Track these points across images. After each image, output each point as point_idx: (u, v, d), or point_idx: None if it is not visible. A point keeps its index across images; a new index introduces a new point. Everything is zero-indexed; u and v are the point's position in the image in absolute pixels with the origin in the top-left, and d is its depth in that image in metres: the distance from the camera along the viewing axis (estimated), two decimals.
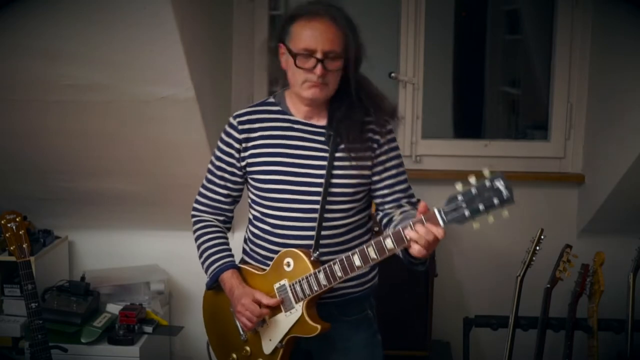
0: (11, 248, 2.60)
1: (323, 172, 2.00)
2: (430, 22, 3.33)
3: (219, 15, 3.16)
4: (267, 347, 2.06)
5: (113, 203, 3.25)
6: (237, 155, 2.09)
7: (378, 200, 2.10)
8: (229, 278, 2.07)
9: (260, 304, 2.00)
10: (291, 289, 1.99)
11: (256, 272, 2.09)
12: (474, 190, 1.74)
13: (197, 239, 2.17)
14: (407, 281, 2.97)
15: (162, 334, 3.14)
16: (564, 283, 2.96)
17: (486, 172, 1.73)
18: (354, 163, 2.01)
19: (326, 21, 1.93)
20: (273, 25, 3.37)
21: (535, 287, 2.98)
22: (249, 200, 2.15)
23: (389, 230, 1.98)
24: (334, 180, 2.01)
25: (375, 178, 2.07)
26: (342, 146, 2.01)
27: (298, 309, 1.99)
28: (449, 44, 3.72)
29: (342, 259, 1.92)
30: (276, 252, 2.04)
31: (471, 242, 3.35)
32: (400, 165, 2.10)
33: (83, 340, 2.93)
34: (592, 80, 3.25)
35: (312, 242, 2.01)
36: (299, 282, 1.98)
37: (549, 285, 2.95)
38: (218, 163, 2.13)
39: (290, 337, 2.03)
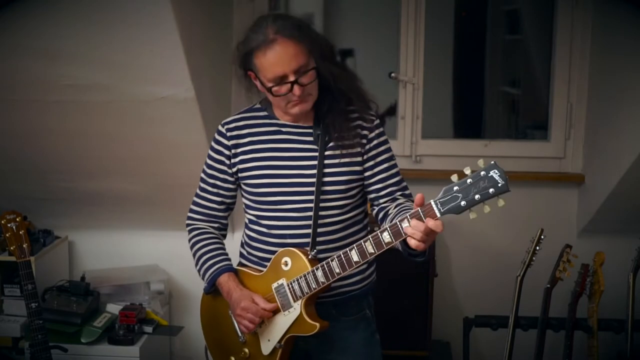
0: (11, 248, 2.60)
1: (314, 171, 2.01)
2: (430, 22, 3.33)
3: (219, 15, 3.16)
4: (266, 347, 2.06)
5: (113, 203, 3.25)
6: (227, 162, 2.10)
7: (372, 195, 2.10)
8: (226, 281, 2.08)
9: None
10: (289, 288, 2.00)
11: (253, 273, 2.09)
12: (469, 181, 1.76)
13: (192, 246, 2.17)
14: (407, 281, 2.97)
15: (162, 334, 3.14)
16: (564, 283, 2.96)
17: (480, 163, 1.76)
18: (344, 160, 2.02)
19: (281, 42, 1.89)
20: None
21: (535, 287, 2.98)
22: (244, 205, 2.16)
23: (386, 224, 1.98)
24: (326, 179, 2.01)
25: (368, 173, 2.07)
26: (331, 144, 2.02)
27: (296, 308, 1.99)
28: (449, 44, 3.72)
29: (340, 255, 1.92)
30: (273, 252, 2.05)
31: (471, 242, 3.35)
32: (392, 158, 2.10)
33: (83, 340, 2.93)
34: (592, 80, 3.25)
35: (308, 240, 2.02)
36: (297, 280, 1.98)
37: (549, 285, 2.95)
38: (210, 171, 2.14)
39: (289, 337, 2.03)
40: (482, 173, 1.75)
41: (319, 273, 1.95)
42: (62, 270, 3.35)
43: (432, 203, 1.79)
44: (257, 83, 1.99)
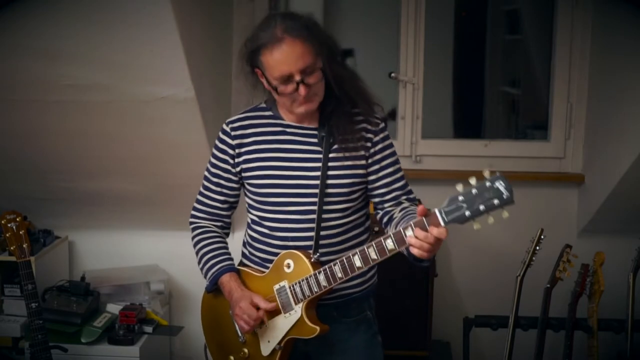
0: (11, 248, 2.60)
1: (318, 173, 2.01)
2: (430, 22, 3.33)
3: (219, 15, 3.16)
4: (266, 348, 2.06)
5: (113, 203, 3.25)
6: (231, 161, 2.09)
7: (377, 200, 2.09)
8: (228, 281, 2.08)
9: (258, 308, 2.00)
10: (291, 290, 1.99)
11: (255, 274, 2.09)
12: (474, 191, 1.75)
13: (195, 245, 2.18)
14: (407, 281, 2.97)
15: (162, 334, 3.14)
16: (564, 283, 2.96)
17: (486, 173, 1.74)
18: (348, 163, 2.01)
19: (288, 41, 1.88)
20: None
21: (535, 287, 2.98)
22: (247, 205, 2.15)
23: (390, 230, 1.98)
24: (330, 181, 2.01)
25: (372, 177, 2.07)
26: (336, 146, 2.02)
27: (297, 310, 1.99)
28: (449, 44, 3.72)
29: (343, 260, 1.92)
30: (275, 254, 2.05)
31: (471, 242, 3.35)
32: (396, 162, 2.09)
33: (83, 340, 2.93)
34: (592, 80, 3.25)
35: (311, 242, 2.01)
36: (299, 283, 1.98)
37: (549, 285, 2.95)
38: (213, 170, 2.13)
39: (289, 339, 2.03)
40: (488, 184, 1.74)
41: (321, 277, 1.95)
42: (62, 270, 3.35)
43: (437, 212, 1.79)
44: (264, 81, 1.99)
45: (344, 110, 2.02)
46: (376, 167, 2.06)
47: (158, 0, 2.29)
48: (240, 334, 2.11)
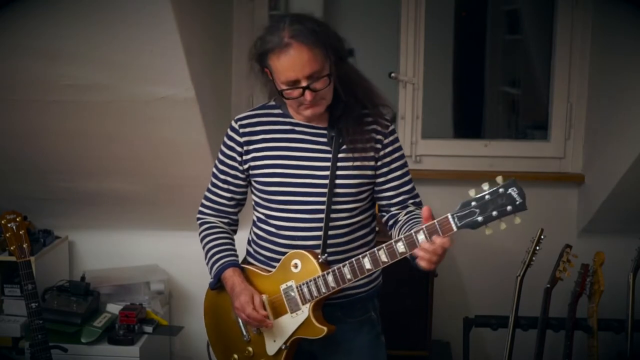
0: (11, 248, 2.60)
1: (327, 173, 2.00)
2: (430, 22, 3.33)
3: (219, 15, 3.16)
4: (271, 348, 2.06)
5: (113, 203, 3.25)
6: (239, 158, 2.09)
7: (384, 202, 2.10)
8: (231, 276, 2.07)
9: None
10: (298, 290, 1.99)
11: (262, 272, 2.09)
12: (487, 197, 1.77)
13: (202, 240, 2.18)
14: (408, 281, 2.97)
15: (162, 334, 3.14)
16: (564, 283, 2.96)
17: (499, 179, 1.76)
18: (357, 163, 2.01)
19: (296, 46, 1.87)
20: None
21: (535, 287, 2.98)
22: (253, 203, 2.15)
23: (395, 233, 1.99)
24: (338, 181, 2.01)
25: (381, 180, 2.07)
26: (345, 147, 2.01)
27: (304, 311, 1.99)
28: (449, 44, 3.72)
29: (352, 262, 1.92)
30: (281, 253, 2.04)
31: (471, 242, 3.34)
32: (405, 165, 2.10)
33: (83, 340, 2.93)
34: (592, 80, 3.25)
35: (318, 242, 2.01)
36: (307, 283, 1.98)
37: (549, 285, 2.95)
38: (221, 167, 2.13)
39: (295, 339, 2.03)
40: (501, 190, 1.76)
41: (330, 278, 1.95)
42: (62, 270, 3.35)
43: (449, 217, 1.80)
44: (273, 81, 1.98)
45: (354, 112, 2.02)
46: (385, 169, 2.06)
47: (158, 0, 2.29)
48: (244, 332, 2.11)
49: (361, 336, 2.12)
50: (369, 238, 2.12)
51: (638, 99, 2.78)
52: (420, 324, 3.05)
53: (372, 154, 2.03)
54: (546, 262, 2.97)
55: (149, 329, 3.04)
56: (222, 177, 2.13)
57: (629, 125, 2.85)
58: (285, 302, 2.01)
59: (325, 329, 1.98)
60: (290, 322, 2.02)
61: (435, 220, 1.81)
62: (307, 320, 1.99)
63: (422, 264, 1.83)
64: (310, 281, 1.97)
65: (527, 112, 3.78)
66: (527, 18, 3.74)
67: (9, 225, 2.61)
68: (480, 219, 1.77)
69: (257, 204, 2.12)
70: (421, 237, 1.82)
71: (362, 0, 3.69)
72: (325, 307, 2.03)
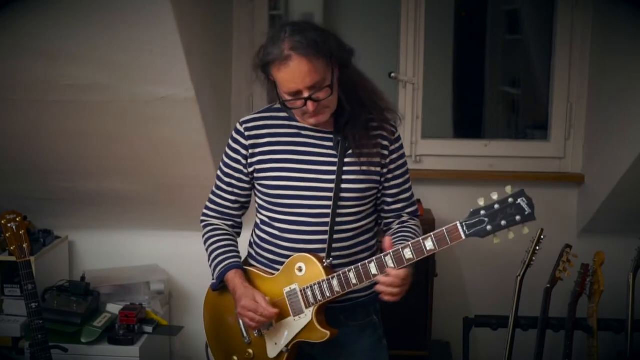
0: (11, 248, 2.60)
1: (333, 177, 2.00)
2: (430, 22, 3.33)
3: (219, 15, 3.16)
4: (272, 350, 2.06)
5: (113, 203, 3.25)
6: (244, 161, 2.08)
7: (380, 207, 2.11)
8: (232, 278, 2.07)
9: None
10: (302, 294, 1.99)
11: (265, 275, 2.08)
12: (496, 206, 1.79)
13: (205, 242, 2.17)
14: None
15: (162, 334, 3.14)
16: (564, 283, 2.96)
17: (508, 189, 1.79)
18: (364, 168, 2.01)
19: (295, 59, 1.86)
20: (272, 26, 3.37)
21: (535, 287, 2.98)
22: (256, 205, 2.15)
23: (409, 241, 2.00)
24: (344, 186, 2.01)
25: (383, 185, 2.08)
26: (351, 151, 2.01)
27: (308, 314, 1.99)
28: (449, 44, 3.72)
29: (358, 267, 1.92)
30: (284, 256, 2.04)
31: (471, 242, 3.33)
32: (406, 172, 2.11)
33: (83, 340, 2.93)
34: (592, 80, 3.25)
35: (322, 246, 2.01)
36: (311, 287, 1.97)
37: (549, 285, 2.95)
38: (226, 170, 2.12)
39: (297, 342, 2.03)
40: (510, 200, 1.79)
41: (335, 282, 1.95)
42: (62, 270, 3.35)
43: (458, 224, 1.82)
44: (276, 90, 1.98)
45: (360, 118, 2.01)
46: (389, 176, 2.07)
47: (158, 0, 2.29)
48: (245, 335, 2.10)
49: (363, 340, 2.12)
50: (372, 243, 2.13)
51: (638, 99, 2.78)
52: (420, 324, 3.05)
53: (378, 159, 2.03)
54: (546, 262, 2.97)
55: (149, 329, 3.04)
56: (227, 180, 2.12)
57: (629, 125, 2.85)
58: (289, 305, 2.01)
59: (328, 333, 1.98)
60: (292, 325, 2.02)
61: (444, 228, 1.83)
62: (310, 324, 1.99)
63: (385, 299, 1.89)
64: (315, 285, 1.97)
65: (527, 112, 3.78)
66: (527, 18, 3.74)
67: (9, 225, 2.61)
68: (489, 228, 1.80)
69: (260, 206, 2.12)
70: (429, 244, 1.85)
71: (362, 0, 3.68)
72: (327, 311, 2.03)
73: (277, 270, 2.06)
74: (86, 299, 3.03)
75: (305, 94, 1.90)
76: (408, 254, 1.87)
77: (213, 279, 2.13)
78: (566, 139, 3.36)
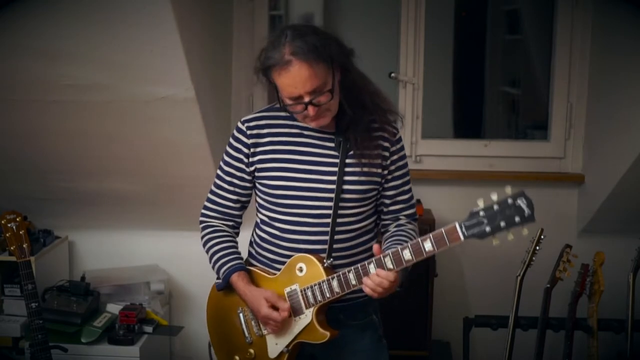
0: (11, 248, 2.60)
1: (334, 178, 2.00)
2: (430, 22, 3.33)
3: (219, 15, 3.16)
4: (273, 350, 2.06)
5: (113, 203, 3.25)
6: (246, 160, 2.08)
7: (379, 208, 2.12)
8: (236, 281, 2.07)
9: (274, 307, 2.00)
10: (302, 294, 1.99)
11: (267, 275, 2.08)
12: (496, 207, 1.78)
13: (205, 243, 2.16)
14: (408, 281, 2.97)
15: (162, 334, 3.13)
16: (564, 283, 2.96)
17: (508, 190, 1.77)
18: (365, 169, 2.01)
19: (295, 64, 1.86)
20: (273, 26, 3.38)
21: (535, 287, 2.98)
22: (256, 204, 2.15)
23: (384, 244, 2.03)
24: (346, 187, 2.01)
25: (382, 186, 2.08)
26: (352, 152, 2.01)
27: (308, 315, 1.99)
28: (449, 44, 3.72)
29: (358, 268, 1.92)
30: (284, 256, 2.05)
31: (471, 242, 3.33)
32: (406, 174, 2.11)
33: (83, 340, 2.93)
34: (592, 80, 3.25)
35: (323, 246, 2.01)
36: (311, 287, 1.98)
37: (549, 285, 2.95)
38: (227, 168, 2.12)
39: (297, 342, 2.03)
40: (510, 201, 1.78)
41: (335, 283, 1.95)
42: (62, 270, 3.35)
43: (457, 225, 1.82)
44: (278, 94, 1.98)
45: (361, 120, 2.01)
46: (388, 177, 2.07)
47: (158, 0, 2.29)
48: (247, 334, 2.11)
49: (363, 339, 2.12)
50: (372, 243, 2.12)
51: (638, 99, 2.78)
52: (420, 324, 3.05)
53: (379, 161, 2.04)
54: (546, 262, 2.97)
55: (149, 329, 3.04)
56: (228, 179, 2.12)
57: (629, 125, 2.85)
58: (289, 305, 2.01)
59: (328, 333, 1.98)
60: (293, 326, 2.02)
61: (442, 229, 1.83)
62: (310, 325, 1.99)
63: (366, 290, 1.90)
64: (315, 285, 1.97)
65: (527, 112, 3.78)
66: (527, 18, 3.74)
67: (9, 225, 2.61)
68: (488, 229, 1.79)
69: (261, 206, 2.12)
70: (428, 245, 1.84)
71: (362, 0, 3.68)
72: (327, 311, 2.03)
73: (277, 269, 2.06)
74: (86, 299, 3.03)
75: (306, 99, 1.90)
76: (407, 255, 1.87)
77: (217, 279, 2.13)
78: (566, 139, 3.36)
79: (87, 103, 2.69)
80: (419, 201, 3.11)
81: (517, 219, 1.77)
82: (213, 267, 2.14)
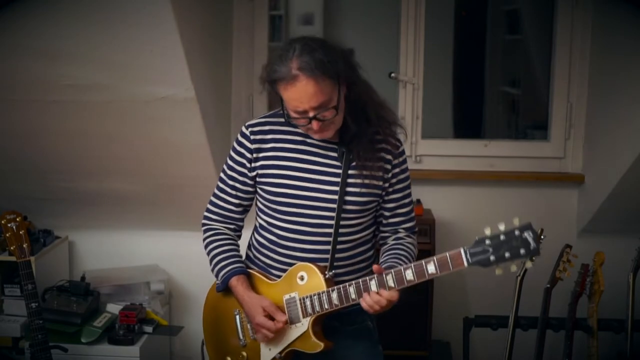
0: (11, 248, 2.60)
1: (336, 188, 2.00)
2: (430, 22, 3.33)
3: (219, 15, 3.16)
4: (266, 355, 2.06)
5: (113, 203, 3.25)
6: (248, 165, 2.08)
7: (378, 220, 2.12)
8: (235, 285, 2.07)
9: (270, 316, 2.01)
10: (301, 303, 1.99)
11: (267, 280, 2.08)
12: (502, 237, 1.79)
13: (206, 246, 2.16)
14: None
15: (162, 334, 3.14)
16: (564, 283, 2.96)
17: (516, 221, 1.78)
18: (367, 181, 2.01)
19: (302, 79, 1.86)
20: (273, 26, 3.38)
21: (535, 287, 2.98)
22: (257, 209, 2.15)
23: (381, 257, 2.03)
24: (347, 198, 2.01)
25: (382, 199, 2.08)
26: (354, 163, 2.01)
27: (304, 324, 2.00)
28: (449, 44, 3.72)
29: (359, 283, 1.93)
30: (280, 262, 2.05)
31: (471, 242, 3.34)
32: (407, 187, 2.11)
33: (83, 340, 2.93)
34: (592, 80, 3.25)
35: (321, 255, 2.01)
36: (310, 297, 1.98)
37: (549, 285, 2.95)
38: (230, 172, 2.12)
39: (291, 350, 2.03)
40: (517, 232, 1.78)
41: (334, 295, 1.95)
42: (62, 270, 3.35)
43: (462, 251, 1.82)
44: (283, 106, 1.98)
45: (365, 134, 2.01)
46: (389, 190, 2.07)
47: (158, 0, 2.29)
48: (241, 337, 2.11)
49: (358, 345, 2.12)
50: (370, 254, 2.13)
51: (638, 99, 2.78)
52: (420, 324, 3.05)
53: (380, 173, 2.04)
54: (546, 262, 2.96)
55: (149, 329, 3.04)
56: (231, 183, 2.12)
57: (629, 125, 2.85)
58: (287, 313, 2.01)
59: (322, 344, 1.98)
60: (288, 333, 2.02)
61: (447, 253, 1.83)
62: (305, 334, 2.00)
63: (363, 305, 1.91)
64: (314, 295, 1.97)
65: (527, 112, 3.78)
66: (527, 18, 3.74)
67: (9, 225, 2.61)
68: (492, 258, 1.79)
69: (261, 210, 2.12)
70: (431, 268, 1.85)
71: (362, 0, 3.68)
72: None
73: (274, 275, 2.06)
74: (86, 299, 3.03)
75: (311, 114, 1.90)
76: (409, 275, 1.88)
77: (217, 282, 2.13)
78: (566, 138, 3.36)
79: (87, 103, 2.69)
80: (419, 201, 3.11)
81: (522, 251, 1.77)
82: (213, 270, 2.14)
